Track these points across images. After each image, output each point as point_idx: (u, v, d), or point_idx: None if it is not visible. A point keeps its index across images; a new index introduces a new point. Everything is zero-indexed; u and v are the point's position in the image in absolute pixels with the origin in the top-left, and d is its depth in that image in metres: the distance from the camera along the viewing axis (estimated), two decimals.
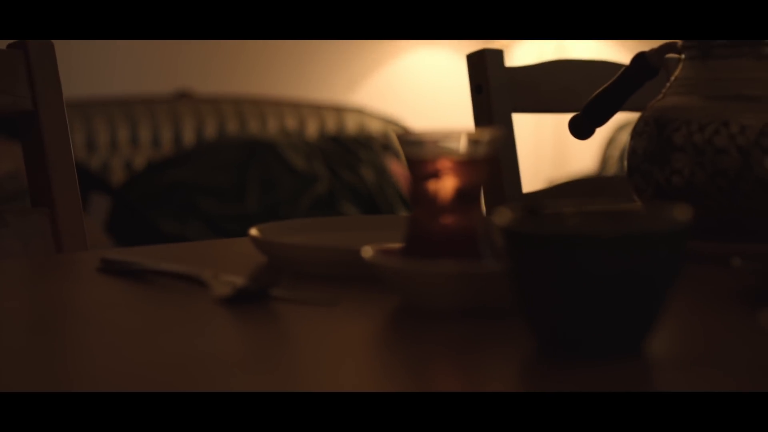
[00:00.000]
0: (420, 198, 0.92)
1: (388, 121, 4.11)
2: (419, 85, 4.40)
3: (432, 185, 0.91)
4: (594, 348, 0.76)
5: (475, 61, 1.66)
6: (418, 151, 0.92)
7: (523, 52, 4.22)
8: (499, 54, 1.66)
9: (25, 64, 1.40)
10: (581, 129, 1.33)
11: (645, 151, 1.19)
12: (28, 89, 1.40)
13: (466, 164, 0.91)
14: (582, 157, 4.46)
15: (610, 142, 4.21)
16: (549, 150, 4.51)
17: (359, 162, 3.59)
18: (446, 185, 0.91)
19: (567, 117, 1.70)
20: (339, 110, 4.06)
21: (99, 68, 3.78)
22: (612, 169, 4.12)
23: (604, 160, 4.21)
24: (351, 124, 4.02)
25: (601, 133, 4.06)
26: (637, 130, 1.22)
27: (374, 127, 4.05)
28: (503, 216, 0.76)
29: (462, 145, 0.92)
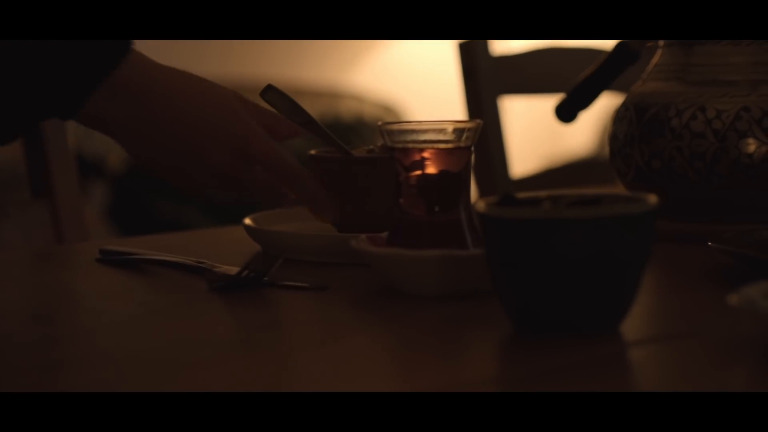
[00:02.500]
0: (403, 187, 0.96)
1: (385, 107, 4.15)
2: (415, 65, 4.43)
3: (414, 174, 0.95)
4: (570, 327, 0.80)
5: (465, 49, 1.71)
6: (400, 141, 0.95)
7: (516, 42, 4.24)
8: (487, 43, 1.71)
9: None
10: (566, 113, 1.36)
11: (625, 136, 1.23)
12: None
13: (448, 153, 0.95)
14: (578, 133, 4.49)
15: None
16: (545, 128, 4.55)
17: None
18: (428, 174, 0.95)
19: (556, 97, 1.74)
20: (335, 96, 4.09)
21: None
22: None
23: (602, 144, 4.24)
24: (347, 110, 4.06)
25: (596, 115, 4.09)
26: (618, 116, 1.26)
27: (371, 112, 4.08)
28: (481, 203, 0.80)
29: (444, 134, 0.95)
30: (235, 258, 1.11)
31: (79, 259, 1.18)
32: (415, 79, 4.44)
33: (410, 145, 0.95)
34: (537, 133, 4.48)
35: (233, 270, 1.00)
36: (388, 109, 4.15)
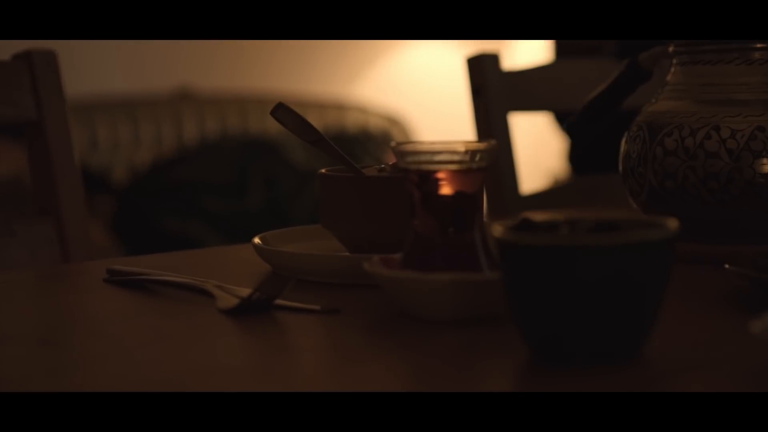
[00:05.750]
0: (417, 208, 0.94)
1: (390, 119, 4.14)
2: (420, 77, 4.43)
3: (429, 195, 0.94)
4: (590, 356, 0.78)
5: (473, 65, 1.69)
6: (414, 162, 0.94)
7: (523, 50, 4.24)
8: (496, 58, 1.69)
9: (29, 74, 1.43)
10: (577, 132, 1.35)
11: (639, 155, 1.22)
12: (33, 99, 1.43)
13: (464, 174, 0.94)
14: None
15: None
16: (548, 142, 4.53)
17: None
18: (443, 195, 0.94)
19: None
20: (341, 108, 4.08)
21: (99, 64, 3.80)
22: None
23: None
24: (353, 122, 4.05)
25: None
26: (631, 135, 1.24)
27: (376, 124, 4.07)
28: (498, 228, 0.79)
29: (459, 155, 0.94)
30: (244, 278, 1.09)
31: (86, 280, 1.17)
32: (420, 92, 4.43)
33: (424, 166, 0.93)
34: (540, 148, 4.47)
35: (243, 291, 0.99)
36: (393, 121, 4.14)
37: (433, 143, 0.95)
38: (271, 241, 1.16)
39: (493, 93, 1.68)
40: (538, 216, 0.82)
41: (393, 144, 0.95)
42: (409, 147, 0.94)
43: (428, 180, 0.93)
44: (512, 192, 1.69)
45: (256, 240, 1.14)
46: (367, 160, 3.63)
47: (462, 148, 0.94)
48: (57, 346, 0.90)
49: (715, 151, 1.17)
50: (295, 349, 0.88)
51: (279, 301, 0.96)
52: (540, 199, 1.75)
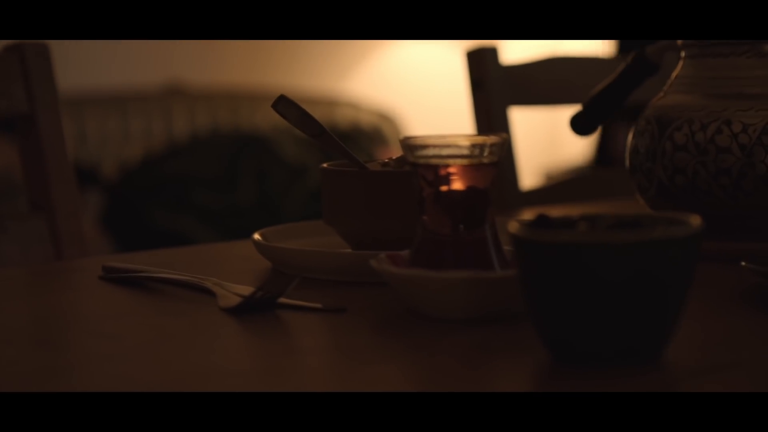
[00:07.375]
0: (427, 204, 0.91)
1: (381, 115, 4.11)
2: (412, 73, 4.40)
3: (440, 191, 0.91)
4: (611, 357, 0.75)
5: (474, 58, 1.66)
6: (424, 156, 0.91)
7: (517, 49, 4.22)
8: (496, 52, 1.67)
9: (20, 66, 1.39)
10: (583, 126, 1.32)
11: (647, 150, 1.19)
12: (24, 92, 1.39)
13: (475, 169, 0.91)
14: (575, 143, 4.46)
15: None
16: (541, 137, 4.51)
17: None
18: (454, 191, 0.90)
19: (560, 108, 1.70)
20: (332, 104, 4.05)
21: (88, 58, 3.76)
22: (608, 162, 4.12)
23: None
24: (344, 118, 4.02)
25: None
26: (639, 129, 1.22)
27: (367, 120, 4.04)
28: (514, 224, 0.76)
29: (469, 149, 0.91)
30: (243, 275, 1.06)
31: (81, 277, 1.13)
32: (411, 88, 4.40)
33: (435, 161, 0.90)
34: (533, 143, 4.45)
35: (244, 289, 0.96)
36: (384, 117, 4.12)
37: (443, 137, 0.91)
38: (270, 238, 1.13)
39: (494, 86, 1.65)
40: (555, 212, 0.80)
41: (402, 138, 0.92)
42: (419, 141, 0.91)
43: (439, 175, 0.90)
44: (512, 187, 1.66)
45: (257, 236, 1.11)
46: (359, 156, 3.59)
47: (473, 142, 0.91)
48: (53, 345, 0.86)
49: (727, 146, 1.14)
50: (300, 350, 0.85)
51: (282, 300, 0.93)
52: (540, 194, 1.73)
